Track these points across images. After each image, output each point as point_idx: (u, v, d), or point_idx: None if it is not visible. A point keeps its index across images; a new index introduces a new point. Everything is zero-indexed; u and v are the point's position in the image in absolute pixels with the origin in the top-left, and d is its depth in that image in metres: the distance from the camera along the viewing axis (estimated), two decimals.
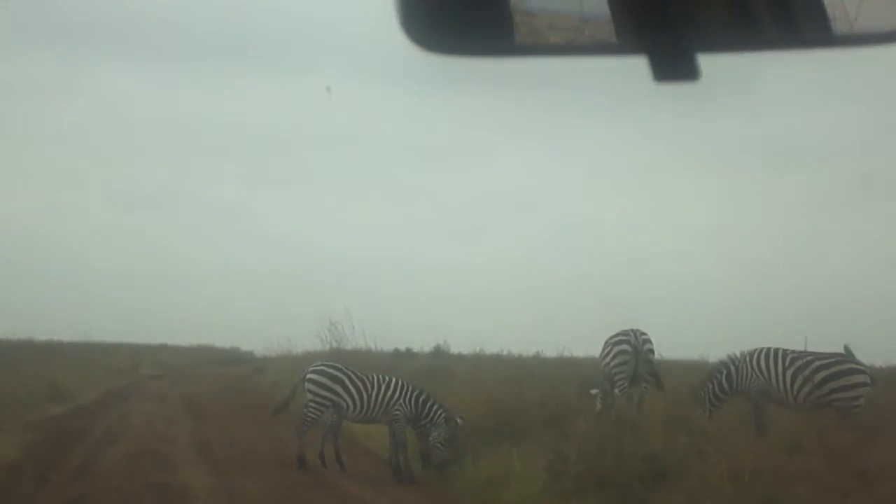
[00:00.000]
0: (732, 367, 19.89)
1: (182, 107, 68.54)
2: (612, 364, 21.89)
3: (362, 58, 61.86)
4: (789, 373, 19.58)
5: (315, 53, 64.89)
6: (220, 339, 60.20)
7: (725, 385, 19.85)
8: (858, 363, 19.76)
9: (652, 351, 22.21)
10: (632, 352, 21.78)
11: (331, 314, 36.51)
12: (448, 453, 19.19)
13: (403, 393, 19.76)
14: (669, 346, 27.72)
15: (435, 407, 19.65)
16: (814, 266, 50.73)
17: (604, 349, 22.48)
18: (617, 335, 22.28)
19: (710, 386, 19.87)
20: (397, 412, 19.63)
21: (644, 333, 22.19)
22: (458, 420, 19.58)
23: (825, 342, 20.67)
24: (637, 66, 3.59)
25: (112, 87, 67.40)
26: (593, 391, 22.38)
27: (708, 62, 3.60)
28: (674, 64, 3.58)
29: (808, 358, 19.71)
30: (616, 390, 21.86)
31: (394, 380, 20.11)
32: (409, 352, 41.85)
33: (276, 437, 23.78)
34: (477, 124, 63.61)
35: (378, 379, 20.04)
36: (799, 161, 60.36)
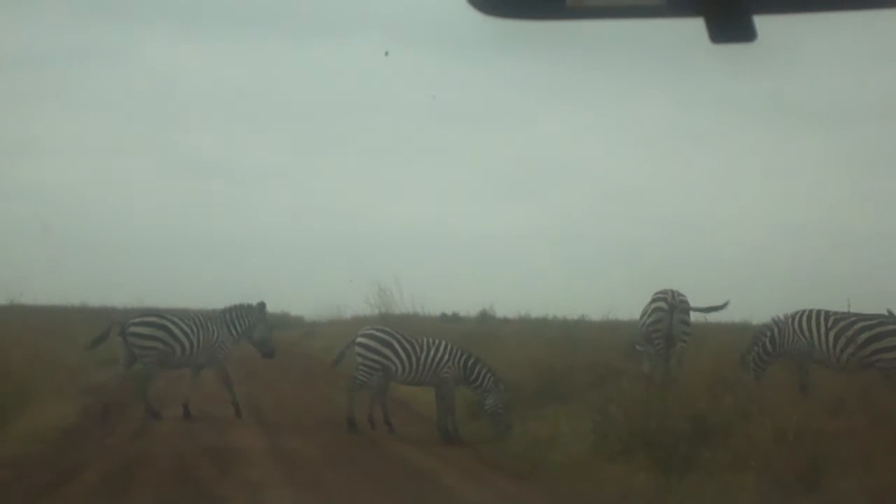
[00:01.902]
0: (776, 329, 19.94)
1: (233, 73, 68.60)
2: (648, 322, 22.02)
3: (419, 21, 61.61)
4: (832, 334, 19.63)
5: (372, 16, 64.47)
6: (271, 303, 60.41)
7: (769, 347, 19.93)
8: None
9: (687, 311, 22.25)
10: (667, 309, 21.84)
11: (379, 279, 36.82)
12: (510, 417, 19.35)
13: (452, 356, 19.97)
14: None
15: (484, 371, 19.82)
16: (858, 228, 50.38)
17: (643, 310, 22.63)
18: (655, 295, 22.42)
19: (756, 349, 19.94)
20: (446, 374, 19.87)
21: (682, 295, 22.25)
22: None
23: (868, 304, 20.71)
24: (694, 28, 3.64)
25: (162, 55, 67.64)
26: (639, 347, 22.51)
27: (763, 23, 3.62)
28: (730, 25, 3.60)
29: (851, 319, 19.74)
30: (653, 350, 22.00)
31: (442, 343, 20.32)
32: (455, 316, 42.03)
33: (326, 399, 24.16)
34: (531, 89, 63.26)
35: (427, 342, 20.24)
36: (849, 123, 59.83)
